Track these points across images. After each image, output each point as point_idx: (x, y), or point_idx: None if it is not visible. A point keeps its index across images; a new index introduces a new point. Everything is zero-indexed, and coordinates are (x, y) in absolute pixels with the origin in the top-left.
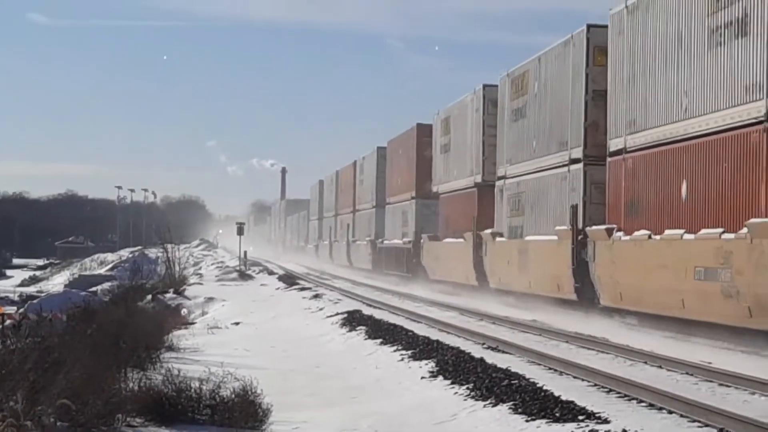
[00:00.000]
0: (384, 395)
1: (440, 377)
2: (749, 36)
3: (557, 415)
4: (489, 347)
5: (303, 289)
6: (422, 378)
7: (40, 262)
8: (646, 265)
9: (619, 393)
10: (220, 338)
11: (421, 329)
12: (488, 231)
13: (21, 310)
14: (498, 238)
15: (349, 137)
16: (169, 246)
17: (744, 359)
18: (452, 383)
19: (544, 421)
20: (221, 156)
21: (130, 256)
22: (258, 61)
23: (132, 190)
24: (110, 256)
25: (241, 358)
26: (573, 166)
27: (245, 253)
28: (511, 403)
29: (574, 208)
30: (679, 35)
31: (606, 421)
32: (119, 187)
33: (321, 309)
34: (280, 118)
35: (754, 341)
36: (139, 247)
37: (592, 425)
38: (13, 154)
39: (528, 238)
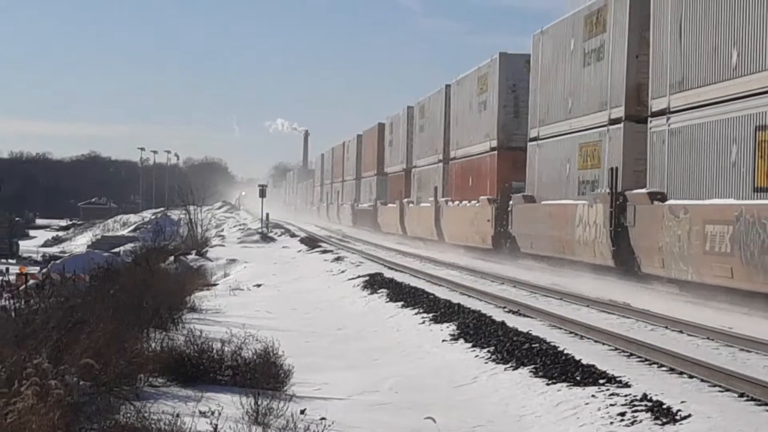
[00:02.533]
0: (405, 358)
1: (461, 340)
2: None
3: (578, 378)
4: (510, 311)
5: (325, 251)
6: (443, 341)
7: (63, 222)
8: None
9: (639, 357)
10: (242, 300)
11: (443, 292)
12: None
13: (44, 271)
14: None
15: (369, 100)
16: (191, 208)
17: (766, 324)
18: (473, 346)
19: (564, 384)
20: (244, 119)
21: (153, 217)
22: (282, 25)
23: (155, 152)
24: (133, 218)
25: (262, 320)
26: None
27: (267, 215)
28: (532, 366)
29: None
30: None
31: (627, 385)
32: (142, 149)
33: (342, 272)
34: (303, 81)
35: None
36: (162, 209)
37: (612, 389)
38: (36, 114)
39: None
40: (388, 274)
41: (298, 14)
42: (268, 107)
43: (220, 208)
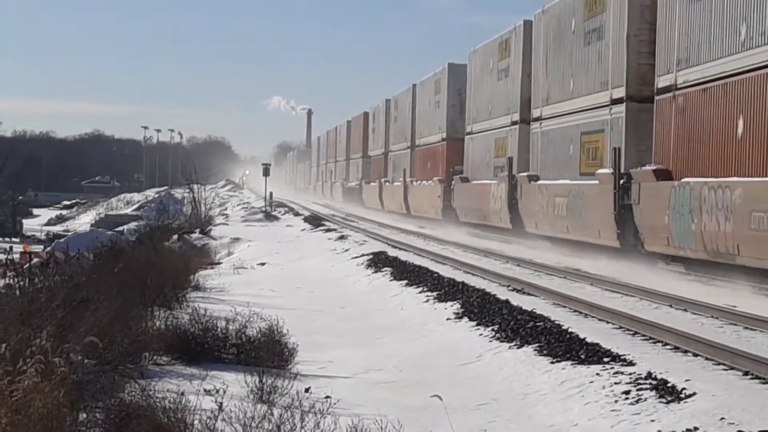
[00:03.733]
0: (409, 336)
1: (465, 318)
2: None
3: (582, 357)
4: (514, 289)
5: (329, 230)
6: (447, 319)
7: (67, 201)
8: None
9: (644, 336)
10: (246, 278)
11: (446, 271)
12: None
13: (48, 249)
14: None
15: (375, 77)
16: (195, 186)
17: None
18: (477, 325)
19: (569, 362)
20: (250, 98)
21: (156, 196)
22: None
23: (158, 131)
24: (136, 196)
25: (266, 299)
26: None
27: (271, 194)
28: (536, 345)
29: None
30: None
31: (631, 363)
32: (145, 128)
33: (346, 250)
34: (309, 60)
35: None
36: (165, 188)
37: (617, 367)
38: (40, 92)
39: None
40: (392, 252)
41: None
42: (274, 87)
43: (223, 186)
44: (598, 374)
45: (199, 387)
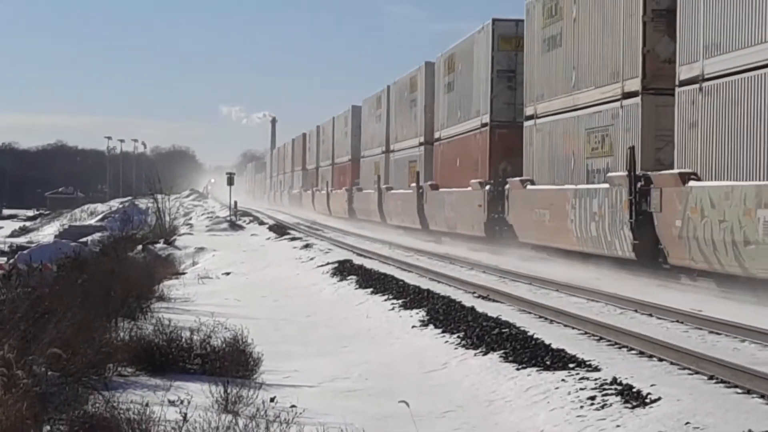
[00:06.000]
0: (375, 344)
1: (431, 326)
2: None
3: (548, 363)
4: (480, 296)
5: (294, 239)
6: (413, 327)
7: (30, 212)
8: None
9: (609, 341)
10: (211, 288)
11: (412, 278)
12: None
13: (11, 261)
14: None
15: (337, 85)
16: (159, 196)
17: (736, 306)
18: (443, 332)
19: (534, 369)
20: (212, 106)
21: (120, 206)
22: (244, 14)
23: (122, 141)
24: (100, 207)
25: (231, 308)
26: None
27: (236, 203)
28: (502, 351)
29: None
30: None
31: (596, 369)
32: (109, 138)
33: (312, 259)
34: (269, 68)
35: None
36: (129, 198)
37: (582, 373)
38: (2, 104)
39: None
40: (358, 260)
41: (263, 4)
42: (239, 96)
43: (188, 196)
44: (563, 380)
45: (163, 398)
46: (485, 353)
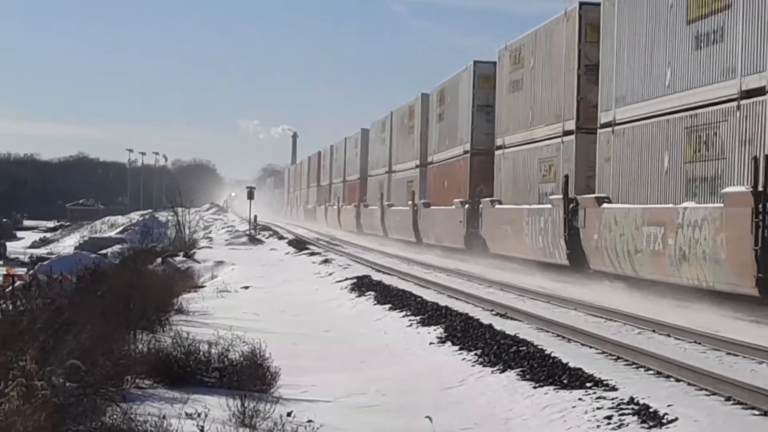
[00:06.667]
0: (392, 360)
1: (449, 343)
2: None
3: (565, 381)
4: (498, 314)
5: (313, 254)
6: (431, 344)
7: (51, 224)
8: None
9: (626, 361)
10: (230, 302)
11: (430, 295)
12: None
13: (31, 272)
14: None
15: (359, 100)
16: (179, 209)
17: (751, 327)
18: (460, 349)
19: (551, 387)
20: (233, 120)
21: (141, 219)
22: (266, 27)
23: (143, 153)
24: (120, 219)
25: (250, 322)
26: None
27: (255, 217)
28: (519, 369)
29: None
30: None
31: (614, 389)
32: (130, 150)
33: (330, 274)
34: (291, 83)
35: (760, 309)
36: (150, 211)
37: (599, 392)
38: (25, 115)
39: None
40: (376, 276)
41: (287, 18)
42: (263, 110)
43: (208, 209)
44: (580, 399)
45: (180, 411)
46: (502, 371)
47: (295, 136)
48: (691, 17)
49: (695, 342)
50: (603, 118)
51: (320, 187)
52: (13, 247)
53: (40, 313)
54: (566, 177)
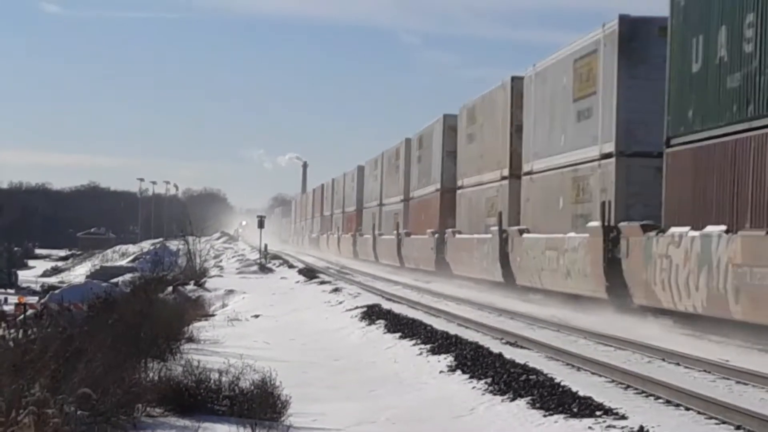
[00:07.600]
0: (402, 389)
1: (459, 371)
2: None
3: (575, 410)
4: (507, 342)
5: (323, 282)
6: (441, 372)
7: (62, 253)
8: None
9: (636, 389)
10: (240, 330)
11: (440, 324)
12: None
13: (42, 300)
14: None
15: (370, 129)
16: (190, 238)
17: (761, 357)
18: (470, 377)
19: (561, 416)
20: (239, 149)
21: (152, 247)
22: (276, 57)
23: (154, 182)
24: (132, 248)
25: (260, 351)
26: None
27: (266, 246)
28: (529, 398)
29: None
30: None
31: (623, 417)
32: (141, 179)
33: (340, 302)
34: (302, 113)
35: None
36: (161, 239)
37: (609, 421)
38: (36, 144)
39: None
40: (386, 305)
41: (299, 50)
42: (272, 140)
43: (218, 238)
44: (590, 428)
45: None
46: (513, 399)
47: (305, 166)
48: (576, 96)
49: (705, 371)
50: (525, 167)
51: (323, 217)
52: (24, 276)
53: (52, 341)
54: (500, 213)
